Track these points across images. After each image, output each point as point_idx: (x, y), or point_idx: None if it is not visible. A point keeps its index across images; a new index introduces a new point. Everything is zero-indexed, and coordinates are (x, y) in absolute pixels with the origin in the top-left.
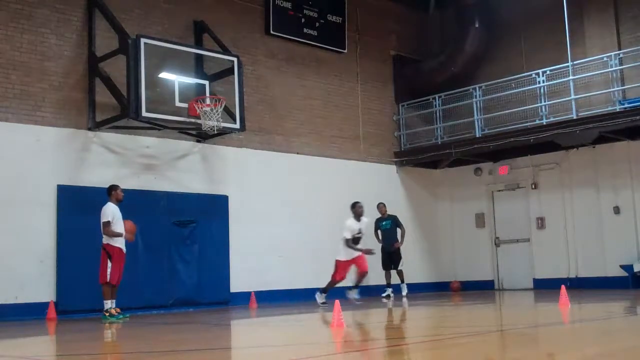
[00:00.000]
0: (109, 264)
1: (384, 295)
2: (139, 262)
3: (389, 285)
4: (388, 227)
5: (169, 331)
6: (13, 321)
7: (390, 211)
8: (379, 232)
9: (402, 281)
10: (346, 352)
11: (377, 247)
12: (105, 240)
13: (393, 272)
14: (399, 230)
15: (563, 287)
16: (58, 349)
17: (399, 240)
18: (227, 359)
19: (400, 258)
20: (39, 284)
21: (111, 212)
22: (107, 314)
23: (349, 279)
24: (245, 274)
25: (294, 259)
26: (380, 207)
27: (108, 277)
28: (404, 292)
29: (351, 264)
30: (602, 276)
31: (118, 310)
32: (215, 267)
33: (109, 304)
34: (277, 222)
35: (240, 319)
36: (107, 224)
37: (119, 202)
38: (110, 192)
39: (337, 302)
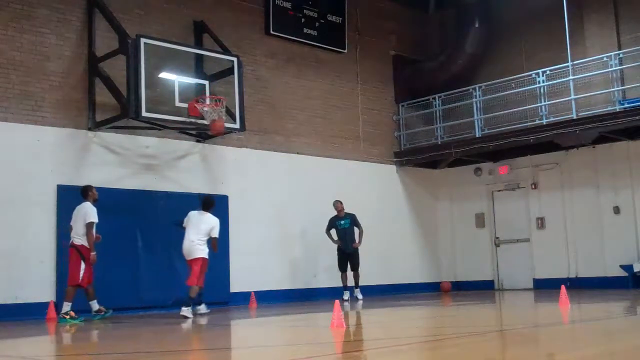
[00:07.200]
0: (82, 266)
1: (345, 298)
2: (139, 262)
3: (345, 287)
4: (347, 226)
5: (169, 331)
6: (13, 321)
7: (391, 211)
8: (335, 231)
9: (357, 285)
10: (346, 352)
11: (330, 247)
12: (81, 241)
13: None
14: (356, 230)
15: (563, 287)
16: (58, 349)
17: (357, 241)
18: (227, 359)
19: (359, 260)
20: (39, 284)
21: (96, 214)
22: (68, 317)
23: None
24: (245, 274)
25: (294, 259)
26: (337, 204)
27: (80, 279)
28: (360, 295)
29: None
30: (602, 276)
31: (72, 313)
32: (215, 267)
33: (69, 306)
34: (277, 222)
35: (240, 319)
36: (92, 225)
37: (95, 203)
38: (87, 193)
39: (336, 302)
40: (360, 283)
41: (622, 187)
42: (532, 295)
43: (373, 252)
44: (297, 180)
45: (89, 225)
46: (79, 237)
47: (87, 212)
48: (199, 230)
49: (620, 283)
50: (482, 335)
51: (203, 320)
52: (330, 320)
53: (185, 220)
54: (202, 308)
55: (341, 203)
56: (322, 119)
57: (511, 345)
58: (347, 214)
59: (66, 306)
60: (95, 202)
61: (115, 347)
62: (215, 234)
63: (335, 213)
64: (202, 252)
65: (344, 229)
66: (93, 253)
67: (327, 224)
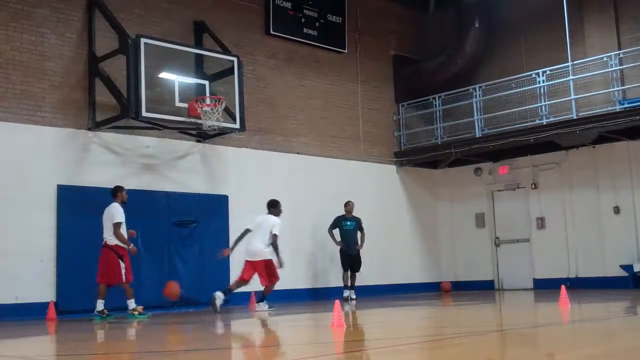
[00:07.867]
0: (122, 264)
1: (345, 297)
2: (139, 262)
3: (346, 287)
4: (352, 228)
5: (169, 331)
6: (13, 321)
7: (391, 211)
8: (338, 230)
9: (353, 286)
10: (346, 352)
11: (330, 246)
12: (113, 241)
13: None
14: (359, 234)
15: (563, 287)
16: (58, 349)
17: (359, 244)
18: (227, 359)
19: (360, 262)
20: (39, 284)
21: (122, 213)
22: (136, 312)
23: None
24: None
25: (294, 259)
26: (349, 205)
27: (124, 277)
28: (354, 295)
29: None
30: (602, 276)
31: (106, 312)
32: (215, 267)
33: (134, 302)
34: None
35: (240, 319)
36: (119, 225)
37: (123, 204)
38: (116, 193)
39: (337, 302)
40: (361, 283)
41: (622, 187)
42: (532, 295)
43: (373, 252)
44: (297, 180)
45: (116, 226)
46: (111, 237)
47: (114, 213)
48: (264, 232)
49: (620, 283)
50: (482, 335)
51: (210, 320)
52: (331, 320)
53: (252, 225)
54: (262, 305)
55: (353, 204)
56: (322, 119)
57: (511, 345)
58: (354, 216)
59: (130, 303)
60: (123, 204)
61: (115, 347)
62: (276, 230)
63: (342, 212)
64: (266, 254)
65: (349, 231)
66: (131, 246)
67: (331, 222)
